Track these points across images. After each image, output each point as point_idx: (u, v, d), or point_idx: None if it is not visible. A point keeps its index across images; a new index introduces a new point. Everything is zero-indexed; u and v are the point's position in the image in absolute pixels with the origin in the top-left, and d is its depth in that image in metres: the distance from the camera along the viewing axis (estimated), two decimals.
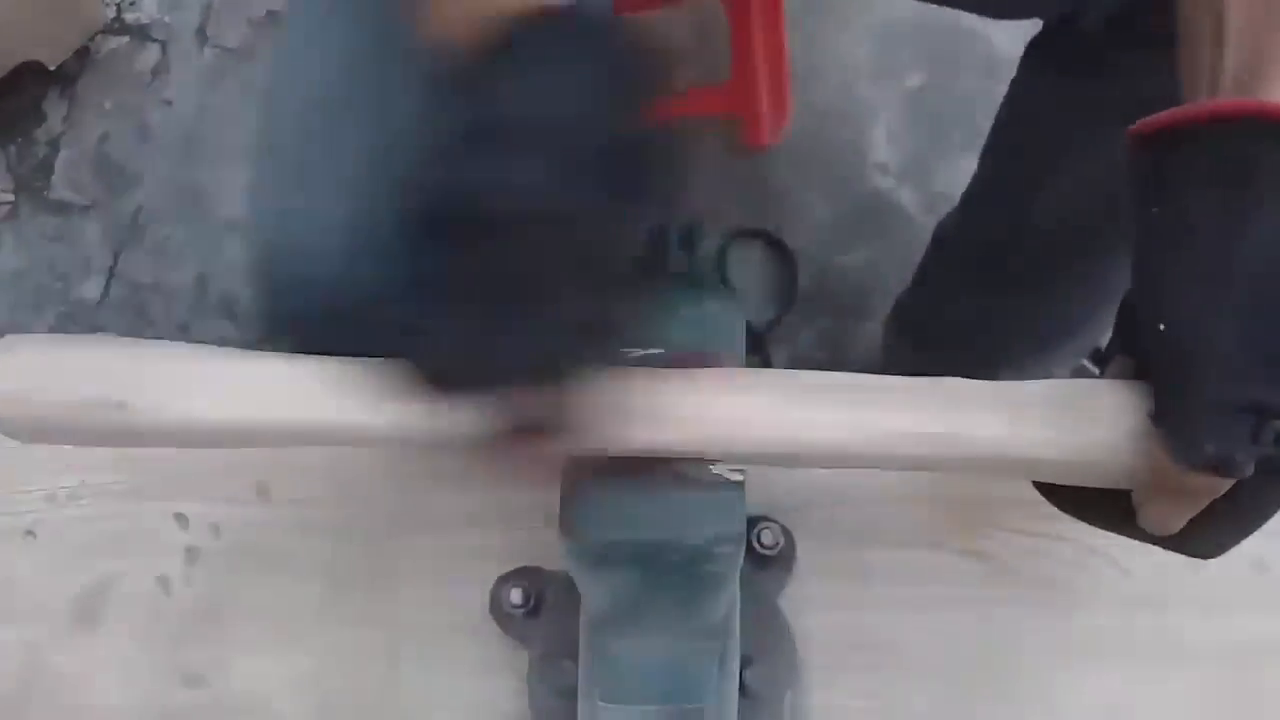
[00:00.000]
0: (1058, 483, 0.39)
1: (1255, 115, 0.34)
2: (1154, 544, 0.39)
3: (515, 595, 0.48)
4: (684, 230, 0.91)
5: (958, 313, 0.84)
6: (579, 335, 0.36)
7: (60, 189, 1.24)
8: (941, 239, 0.88)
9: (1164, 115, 0.36)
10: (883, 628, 0.49)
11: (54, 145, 1.26)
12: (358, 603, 0.50)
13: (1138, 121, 0.37)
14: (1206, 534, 0.37)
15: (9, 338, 0.40)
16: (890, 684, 0.48)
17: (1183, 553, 0.38)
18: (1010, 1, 0.69)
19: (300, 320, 0.52)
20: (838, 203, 1.16)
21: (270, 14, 1.31)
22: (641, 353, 0.39)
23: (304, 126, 0.60)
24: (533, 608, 0.48)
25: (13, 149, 1.26)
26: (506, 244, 0.35)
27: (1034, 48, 0.74)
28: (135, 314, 1.16)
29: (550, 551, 0.48)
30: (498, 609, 0.48)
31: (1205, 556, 0.38)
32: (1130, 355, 0.38)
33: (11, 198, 1.23)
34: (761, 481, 0.47)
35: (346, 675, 0.50)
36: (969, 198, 0.83)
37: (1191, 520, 0.36)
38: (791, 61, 1.15)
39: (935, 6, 0.73)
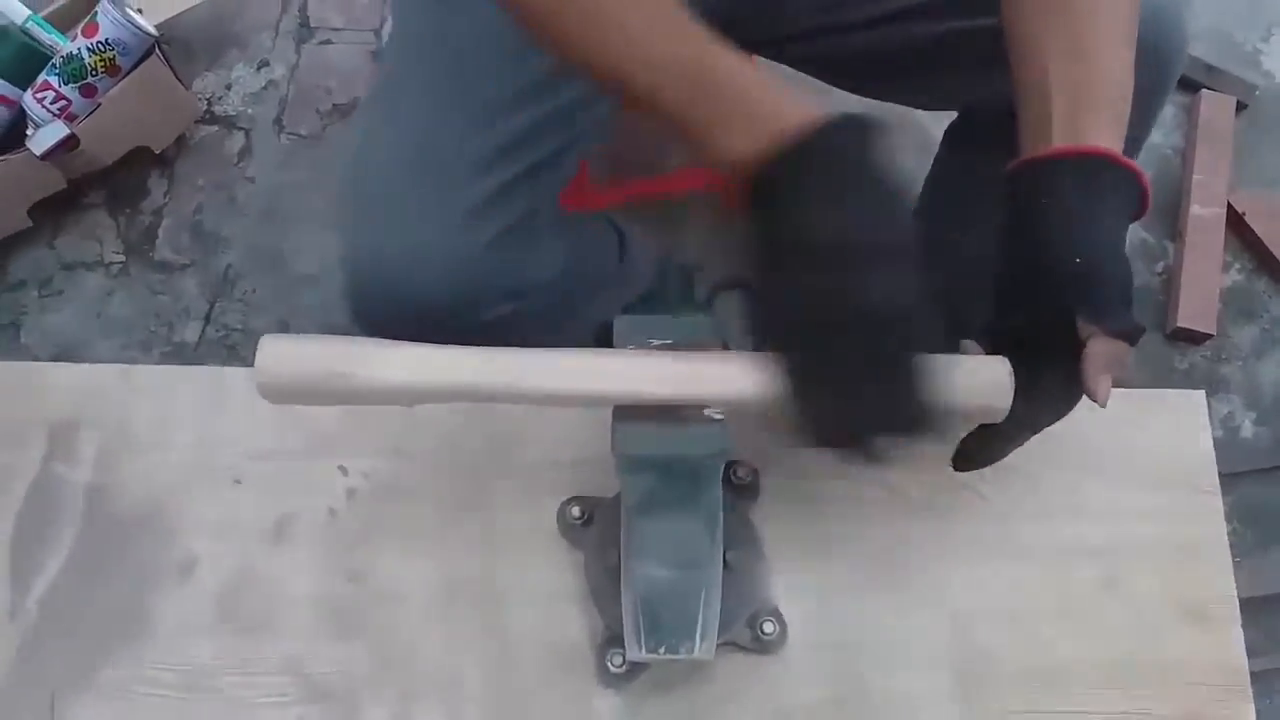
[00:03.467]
0: None
1: (1099, 154, 0.54)
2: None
3: (575, 511, 0.67)
4: (685, 272, 1.11)
5: None
6: (919, 402, 0.48)
7: (163, 251, 1.39)
8: None
9: (1051, 150, 0.54)
10: (820, 533, 0.67)
11: (158, 215, 1.42)
12: (465, 522, 0.68)
13: (1016, 160, 0.56)
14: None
15: (268, 336, 0.60)
16: (824, 571, 0.66)
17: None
18: (934, 99, 0.90)
19: (395, 328, 0.61)
20: None
21: (336, 107, 1.48)
22: (659, 343, 0.59)
23: (402, 166, 0.69)
24: (586, 520, 0.67)
25: (123, 218, 1.42)
26: (873, 336, 0.47)
27: (950, 131, 0.95)
28: (228, 352, 1.31)
29: (597, 482, 0.67)
30: (562, 522, 0.67)
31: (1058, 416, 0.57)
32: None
33: (122, 258, 1.39)
34: (740, 430, 0.60)
35: (458, 570, 0.67)
36: None
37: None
38: None
39: (880, 102, 0.92)
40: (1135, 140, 0.79)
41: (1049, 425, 0.59)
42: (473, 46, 0.76)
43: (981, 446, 0.59)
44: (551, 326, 0.78)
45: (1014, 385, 0.56)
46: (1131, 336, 0.54)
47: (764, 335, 0.51)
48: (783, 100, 0.51)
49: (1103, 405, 0.54)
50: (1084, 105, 0.56)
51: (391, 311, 0.69)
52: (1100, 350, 0.53)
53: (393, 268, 0.68)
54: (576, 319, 0.85)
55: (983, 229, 0.60)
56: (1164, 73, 0.74)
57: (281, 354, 0.59)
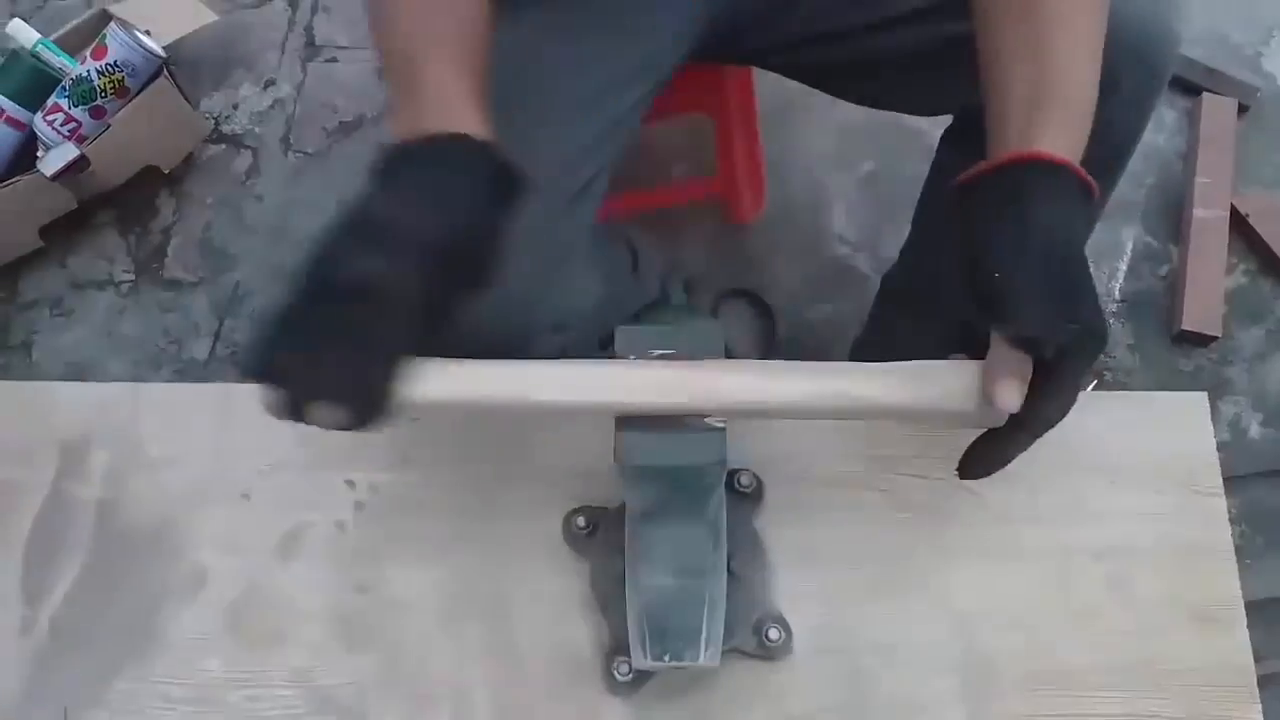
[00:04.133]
0: (912, 421, 0.60)
1: (1031, 159, 0.54)
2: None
3: (580, 521, 0.67)
4: (687, 282, 1.12)
5: (896, 339, 1.04)
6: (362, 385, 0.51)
7: (172, 269, 1.41)
8: (885, 285, 1.10)
9: (981, 166, 0.55)
10: (821, 539, 0.68)
11: (167, 234, 1.43)
12: (472, 533, 0.69)
13: (963, 174, 0.56)
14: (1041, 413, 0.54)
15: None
16: (828, 577, 0.67)
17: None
18: (931, 103, 0.90)
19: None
20: (807, 268, 1.32)
21: (342, 124, 1.50)
22: (660, 352, 0.60)
23: None
24: (592, 530, 0.67)
25: (132, 237, 1.44)
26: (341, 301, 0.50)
27: (947, 134, 0.96)
28: (235, 369, 1.32)
29: (602, 493, 0.68)
30: (568, 532, 0.68)
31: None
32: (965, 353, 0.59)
33: (132, 277, 1.41)
34: (741, 441, 0.66)
35: (466, 581, 0.67)
36: (904, 251, 1.05)
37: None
38: (766, 155, 1.31)
39: (879, 110, 0.93)
40: (1128, 143, 0.79)
41: (1044, 430, 0.58)
42: (510, 75, 0.77)
43: (983, 453, 0.59)
44: (591, 352, 0.79)
45: (982, 388, 0.55)
46: (1039, 348, 0.52)
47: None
48: (443, 108, 0.57)
49: (1007, 410, 0.53)
50: (1038, 107, 0.56)
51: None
52: (1000, 356, 0.53)
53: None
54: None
55: None
56: (1155, 74, 0.74)
57: (425, 382, 0.58)
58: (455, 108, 0.58)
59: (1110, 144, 0.76)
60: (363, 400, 0.53)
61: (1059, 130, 0.56)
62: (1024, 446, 0.59)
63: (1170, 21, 0.74)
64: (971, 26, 0.63)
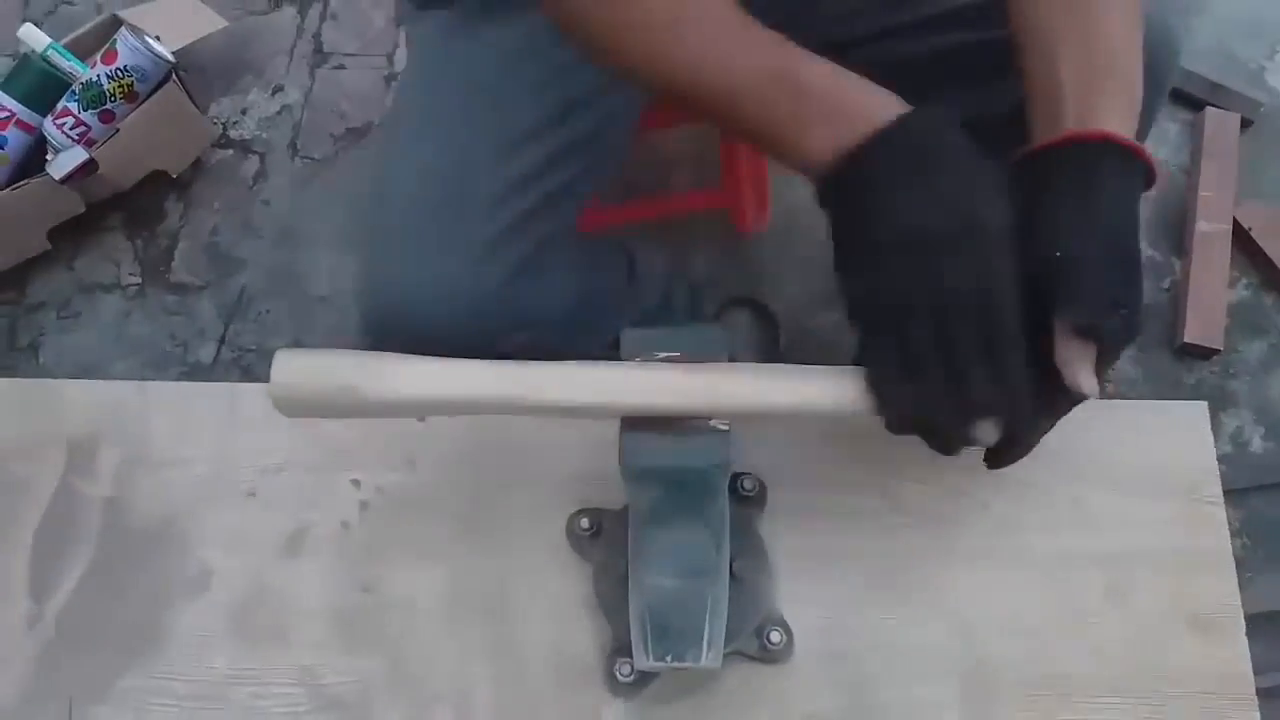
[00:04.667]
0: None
1: (1100, 138, 0.54)
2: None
3: (583, 523, 0.68)
4: (693, 288, 1.12)
5: None
6: (995, 386, 0.50)
7: (179, 273, 1.42)
8: None
9: (1050, 139, 0.55)
10: (826, 544, 0.68)
11: (174, 238, 1.44)
12: (475, 533, 0.69)
13: (1023, 149, 0.56)
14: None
15: (284, 350, 0.61)
16: (830, 581, 0.67)
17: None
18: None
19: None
20: (811, 277, 1.33)
21: (349, 130, 1.50)
22: (666, 355, 0.60)
23: (421, 201, 0.70)
24: (595, 532, 0.68)
25: (139, 241, 1.45)
26: (946, 319, 0.49)
27: None
28: (242, 372, 1.33)
29: (606, 495, 0.68)
30: (571, 533, 0.68)
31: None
32: None
33: (139, 280, 1.42)
34: (745, 446, 0.65)
35: (469, 581, 0.68)
36: None
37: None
38: (770, 167, 1.32)
39: None
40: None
41: (1062, 414, 0.59)
42: (492, 78, 0.77)
43: (1005, 441, 0.59)
44: (566, 351, 0.78)
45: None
46: (1100, 336, 0.53)
47: (851, 323, 0.54)
48: (861, 97, 0.53)
49: (1089, 395, 0.54)
50: (1093, 90, 0.56)
51: (409, 344, 0.70)
52: (1068, 343, 0.53)
53: (410, 301, 0.69)
54: (590, 341, 0.86)
55: None
56: (1155, 83, 0.73)
57: (296, 367, 0.60)
58: (869, 90, 0.55)
59: None
60: (1018, 403, 0.53)
61: (1118, 109, 0.55)
62: (1046, 431, 0.60)
63: (1171, 29, 0.73)
64: (990, 33, 0.63)
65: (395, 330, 0.71)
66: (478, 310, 0.70)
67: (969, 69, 0.76)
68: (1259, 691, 0.64)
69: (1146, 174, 0.56)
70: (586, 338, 0.84)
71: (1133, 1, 0.59)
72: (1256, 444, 1.25)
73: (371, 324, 0.72)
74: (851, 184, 0.53)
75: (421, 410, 0.61)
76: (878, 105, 0.53)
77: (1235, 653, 0.65)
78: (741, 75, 0.56)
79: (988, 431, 0.54)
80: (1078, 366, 0.53)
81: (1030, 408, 0.54)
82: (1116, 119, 0.55)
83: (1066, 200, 0.54)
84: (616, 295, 1.00)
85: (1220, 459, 0.71)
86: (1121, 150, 0.55)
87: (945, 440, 0.54)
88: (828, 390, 0.58)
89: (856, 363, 0.56)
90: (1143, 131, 0.78)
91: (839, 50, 0.83)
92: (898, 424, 0.53)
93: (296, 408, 0.61)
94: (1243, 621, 0.66)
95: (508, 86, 0.76)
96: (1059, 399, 0.56)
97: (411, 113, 0.80)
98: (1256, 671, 0.65)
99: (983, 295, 0.50)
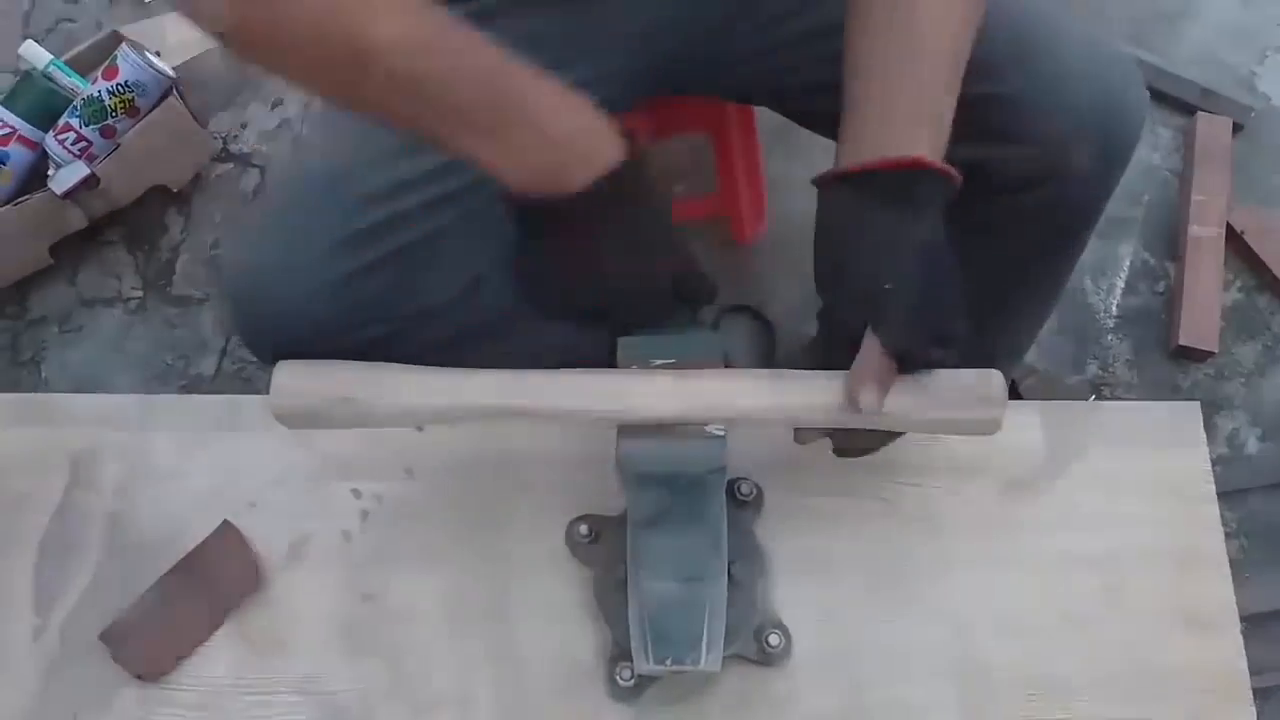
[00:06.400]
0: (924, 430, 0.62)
1: (910, 164, 0.54)
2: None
3: (583, 529, 0.68)
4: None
5: None
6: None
7: (180, 286, 1.42)
8: None
9: (859, 162, 0.55)
10: (822, 547, 0.69)
11: (175, 251, 1.45)
12: (475, 541, 0.70)
13: (832, 169, 0.57)
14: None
15: (284, 362, 0.63)
16: (827, 584, 0.68)
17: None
18: None
19: (276, 348, 0.63)
20: (807, 285, 1.28)
21: None
22: (662, 362, 0.61)
23: (298, 195, 0.69)
24: (594, 538, 0.68)
25: (141, 255, 1.45)
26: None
27: None
28: (243, 385, 1.33)
29: (604, 501, 0.69)
30: (571, 539, 0.69)
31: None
32: None
33: (140, 294, 1.42)
34: (742, 450, 0.65)
35: (470, 588, 0.68)
36: None
37: None
38: (765, 176, 1.33)
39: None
40: (1080, 225, 0.79)
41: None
42: None
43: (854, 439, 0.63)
44: (457, 345, 0.74)
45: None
46: (903, 357, 0.55)
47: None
48: (575, 128, 0.55)
49: (867, 411, 0.56)
50: (895, 115, 0.56)
51: (257, 326, 0.69)
52: (868, 359, 0.56)
53: (260, 287, 0.68)
54: (510, 340, 0.79)
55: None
56: (1111, 155, 0.73)
57: (296, 379, 0.61)
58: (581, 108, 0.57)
59: (1058, 224, 0.77)
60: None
61: (927, 137, 0.56)
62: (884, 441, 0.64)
63: (1128, 100, 0.72)
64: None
65: (246, 315, 0.69)
66: (320, 301, 0.67)
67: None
68: (1258, 691, 0.65)
69: (952, 189, 0.56)
70: (501, 336, 0.78)
71: (952, 33, 0.59)
72: (1253, 445, 1.26)
73: (231, 307, 0.71)
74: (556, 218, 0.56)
75: (421, 419, 0.62)
76: (585, 138, 0.55)
77: (1231, 651, 0.66)
78: (451, 65, 0.54)
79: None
80: (867, 384, 0.56)
81: None
82: (926, 144, 0.55)
83: (881, 227, 0.55)
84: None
85: (1217, 461, 0.72)
86: (929, 173, 0.55)
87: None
88: (818, 394, 0.59)
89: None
90: (1096, 207, 0.78)
91: (762, 80, 0.82)
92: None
93: (297, 419, 0.62)
94: (1238, 620, 0.67)
95: None
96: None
97: (322, 115, 0.81)
98: (1254, 671, 0.65)
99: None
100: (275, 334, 0.65)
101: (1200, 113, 1.47)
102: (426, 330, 0.70)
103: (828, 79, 0.63)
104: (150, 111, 1.42)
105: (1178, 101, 1.48)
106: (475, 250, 0.75)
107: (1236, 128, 1.47)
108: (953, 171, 0.55)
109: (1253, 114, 1.48)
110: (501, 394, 0.60)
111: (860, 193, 0.56)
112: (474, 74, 0.54)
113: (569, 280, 0.59)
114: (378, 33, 0.52)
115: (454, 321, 0.72)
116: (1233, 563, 0.69)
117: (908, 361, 0.56)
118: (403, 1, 0.53)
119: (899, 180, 0.54)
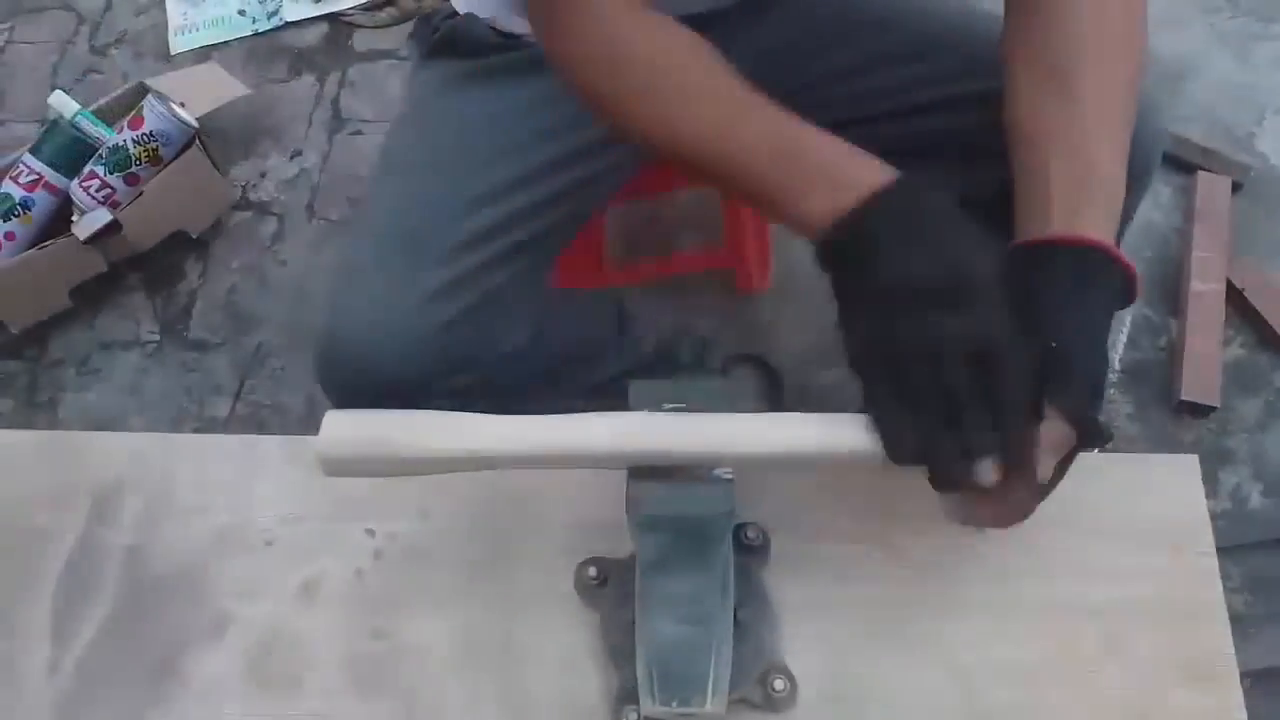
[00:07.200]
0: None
1: (1086, 244, 0.58)
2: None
3: (591, 572, 0.69)
4: (697, 344, 1.15)
5: None
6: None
7: (197, 330, 1.45)
8: None
9: (1041, 236, 0.58)
10: (828, 593, 0.69)
11: (192, 296, 1.48)
12: (486, 582, 0.70)
13: (1018, 240, 0.59)
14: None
15: (333, 413, 0.62)
16: (832, 630, 0.68)
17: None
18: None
19: (359, 396, 0.66)
20: (812, 334, 1.35)
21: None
22: (671, 406, 0.62)
23: (373, 256, 0.73)
24: (602, 581, 0.69)
25: (159, 299, 1.48)
26: (951, 368, 0.53)
27: None
28: (257, 427, 1.35)
29: (613, 544, 0.69)
30: (580, 583, 0.69)
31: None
32: None
33: (158, 337, 1.45)
34: (749, 496, 0.66)
35: (480, 629, 0.69)
36: None
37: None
38: (772, 227, 1.35)
39: None
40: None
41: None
42: (476, 134, 0.81)
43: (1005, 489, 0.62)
44: (522, 391, 0.79)
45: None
46: (1084, 427, 0.56)
47: (855, 373, 0.58)
48: (857, 165, 0.58)
49: (1041, 481, 0.58)
50: (1082, 198, 0.59)
51: (350, 381, 0.72)
52: (1053, 430, 0.57)
53: (353, 342, 0.72)
54: (560, 385, 0.87)
55: None
56: (1140, 171, 0.74)
57: (344, 429, 0.62)
58: (863, 158, 0.59)
59: None
60: (1013, 443, 0.56)
61: (1100, 219, 0.59)
62: (1037, 498, 0.62)
63: (1152, 122, 0.75)
64: (976, 117, 0.66)
65: (338, 370, 0.73)
66: (417, 351, 0.72)
67: (957, 153, 0.79)
68: None
69: (1129, 284, 0.59)
70: (555, 381, 0.85)
71: (1121, 104, 0.63)
72: (1255, 500, 1.26)
73: (320, 361, 0.74)
74: (849, 244, 0.57)
75: (462, 467, 0.62)
76: (872, 172, 0.58)
77: (1230, 703, 0.66)
78: (745, 143, 0.61)
79: (986, 470, 0.56)
80: (1047, 453, 0.57)
81: (1024, 451, 0.56)
82: (1103, 229, 0.59)
83: (1060, 295, 0.57)
84: (599, 344, 1.03)
85: (1220, 515, 0.73)
86: (1112, 262, 0.58)
87: (945, 475, 0.56)
88: (830, 435, 0.61)
89: (863, 411, 0.59)
90: (1121, 228, 0.81)
91: (837, 129, 0.87)
92: (899, 453, 0.56)
93: (342, 467, 0.62)
94: (1237, 672, 0.67)
95: (492, 142, 0.80)
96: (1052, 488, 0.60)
97: (396, 160, 0.84)
98: None
99: (977, 342, 0.54)
100: (360, 390, 0.67)
101: (1201, 171, 1.50)
102: (504, 377, 0.72)
103: (845, 118, 0.65)
104: (173, 160, 1.46)
105: (1179, 160, 1.52)
106: (536, 298, 0.78)
107: (1236, 186, 1.49)
108: (1128, 261, 0.59)
109: (1251, 173, 1.51)
110: (512, 438, 0.61)
111: (1051, 262, 0.58)
112: (766, 140, 0.60)
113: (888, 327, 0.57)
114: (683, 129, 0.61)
115: (526, 369, 0.75)
116: (1236, 618, 0.69)
117: (1089, 435, 0.57)
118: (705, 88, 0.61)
119: (1082, 255, 0.58)
